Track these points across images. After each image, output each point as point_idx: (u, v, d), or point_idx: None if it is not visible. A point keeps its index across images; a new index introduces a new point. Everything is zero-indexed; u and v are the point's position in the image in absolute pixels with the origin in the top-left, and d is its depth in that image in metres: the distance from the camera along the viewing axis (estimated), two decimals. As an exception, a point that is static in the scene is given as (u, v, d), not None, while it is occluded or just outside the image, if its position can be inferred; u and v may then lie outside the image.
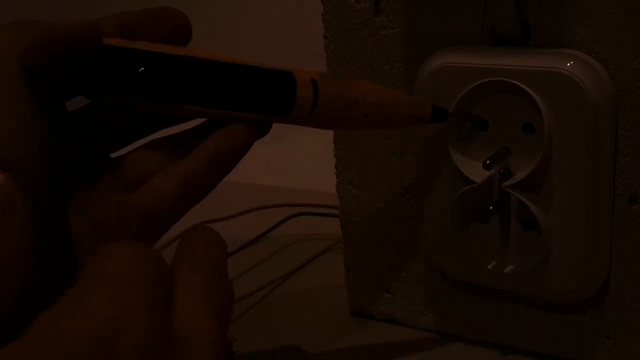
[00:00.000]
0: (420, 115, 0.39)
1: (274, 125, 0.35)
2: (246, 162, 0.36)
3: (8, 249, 0.26)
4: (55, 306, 0.23)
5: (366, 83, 0.37)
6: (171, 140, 0.35)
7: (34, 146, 0.29)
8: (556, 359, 0.44)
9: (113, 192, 0.33)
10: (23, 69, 0.29)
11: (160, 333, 0.23)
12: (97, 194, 0.33)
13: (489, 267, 0.42)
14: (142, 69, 0.32)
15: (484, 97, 0.40)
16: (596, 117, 0.38)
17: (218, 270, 0.27)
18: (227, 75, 0.33)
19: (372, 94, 0.36)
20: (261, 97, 0.34)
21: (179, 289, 0.26)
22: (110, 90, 0.32)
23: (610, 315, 0.42)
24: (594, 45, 0.38)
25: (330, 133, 0.48)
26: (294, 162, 0.76)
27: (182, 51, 0.33)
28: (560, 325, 0.43)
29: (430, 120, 0.39)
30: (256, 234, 0.64)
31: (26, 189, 0.28)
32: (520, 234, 0.41)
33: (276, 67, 0.34)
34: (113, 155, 0.35)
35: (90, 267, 0.24)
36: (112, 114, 0.35)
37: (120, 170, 0.34)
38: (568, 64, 0.38)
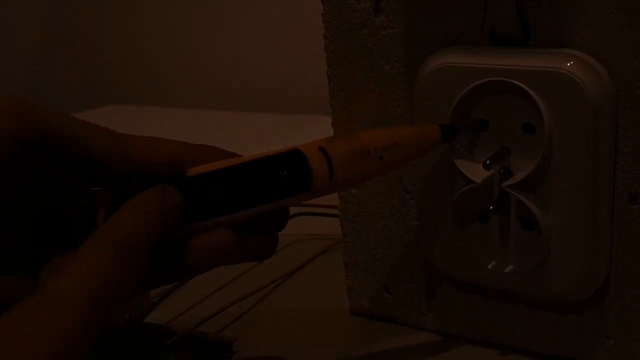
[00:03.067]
0: (432, 139, 0.39)
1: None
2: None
3: None
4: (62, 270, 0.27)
5: (370, 131, 0.37)
6: None
7: None
8: (556, 359, 0.44)
9: None
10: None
11: None
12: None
13: (489, 267, 0.42)
14: None
15: (484, 97, 0.40)
16: (596, 117, 0.38)
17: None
18: (243, 176, 0.33)
19: (379, 138, 0.37)
20: (279, 183, 0.34)
21: None
22: None
23: (610, 315, 0.42)
24: (594, 45, 0.38)
25: (329, 133, 0.48)
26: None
27: (194, 171, 0.33)
28: (560, 325, 0.43)
29: (444, 139, 0.39)
30: (256, 234, 0.64)
31: None
32: (520, 234, 0.41)
33: (280, 150, 0.34)
34: None
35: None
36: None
37: None
38: (568, 64, 0.38)
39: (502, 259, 0.42)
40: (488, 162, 0.39)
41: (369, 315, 0.51)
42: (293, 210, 0.65)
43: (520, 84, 0.39)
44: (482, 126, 0.41)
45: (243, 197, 0.33)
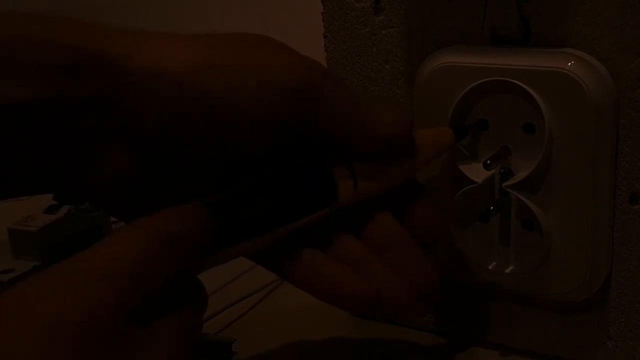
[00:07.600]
0: (447, 141, 0.39)
1: None
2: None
3: None
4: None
5: None
6: None
7: None
8: (556, 359, 0.44)
9: None
10: None
11: None
12: None
13: (490, 267, 0.42)
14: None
15: (484, 97, 0.40)
16: (597, 117, 0.38)
17: None
18: (268, 196, 0.33)
19: None
20: (306, 202, 0.33)
21: None
22: None
23: (611, 315, 0.42)
24: (595, 44, 0.38)
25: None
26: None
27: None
28: (560, 325, 0.43)
29: (457, 140, 0.39)
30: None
31: None
32: (520, 234, 0.41)
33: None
34: None
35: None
36: None
37: None
38: (569, 64, 0.38)
39: (502, 259, 0.42)
40: (489, 162, 0.39)
41: (369, 315, 0.51)
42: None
43: (521, 84, 0.38)
44: (483, 126, 0.41)
45: (270, 219, 0.32)
